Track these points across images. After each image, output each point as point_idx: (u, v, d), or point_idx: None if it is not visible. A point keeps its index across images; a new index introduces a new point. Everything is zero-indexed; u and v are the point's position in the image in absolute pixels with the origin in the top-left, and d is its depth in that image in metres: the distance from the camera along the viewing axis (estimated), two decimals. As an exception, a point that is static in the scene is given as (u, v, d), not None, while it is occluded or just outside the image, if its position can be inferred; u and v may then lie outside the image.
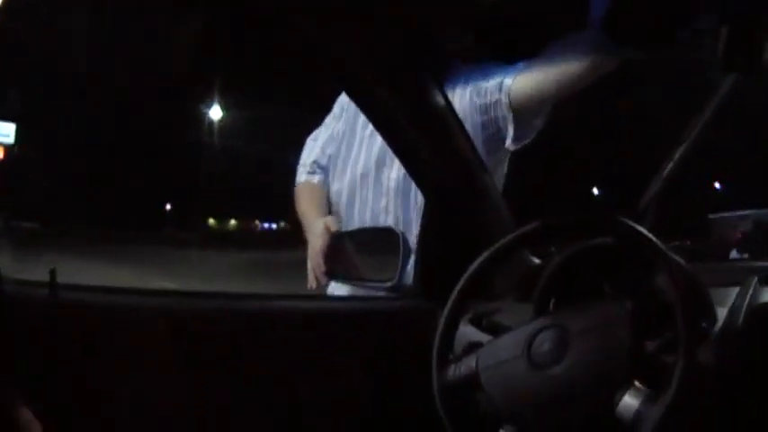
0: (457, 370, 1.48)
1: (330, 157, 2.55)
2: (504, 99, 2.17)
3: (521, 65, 2.18)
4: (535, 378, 1.36)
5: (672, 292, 1.30)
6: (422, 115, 1.78)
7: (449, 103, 1.85)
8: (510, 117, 2.19)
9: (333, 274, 2.22)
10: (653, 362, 1.32)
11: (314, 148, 2.62)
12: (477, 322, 1.59)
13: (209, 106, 30.95)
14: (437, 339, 1.53)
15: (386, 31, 1.63)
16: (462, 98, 2.29)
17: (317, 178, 2.58)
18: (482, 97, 2.25)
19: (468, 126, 2.04)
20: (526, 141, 2.26)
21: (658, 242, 1.37)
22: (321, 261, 2.22)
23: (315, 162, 2.59)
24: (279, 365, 1.67)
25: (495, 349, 1.46)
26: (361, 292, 2.17)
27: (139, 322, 1.51)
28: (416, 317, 1.84)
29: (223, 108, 31.34)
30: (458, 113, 1.98)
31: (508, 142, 2.24)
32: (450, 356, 1.53)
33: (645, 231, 1.39)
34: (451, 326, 1.54)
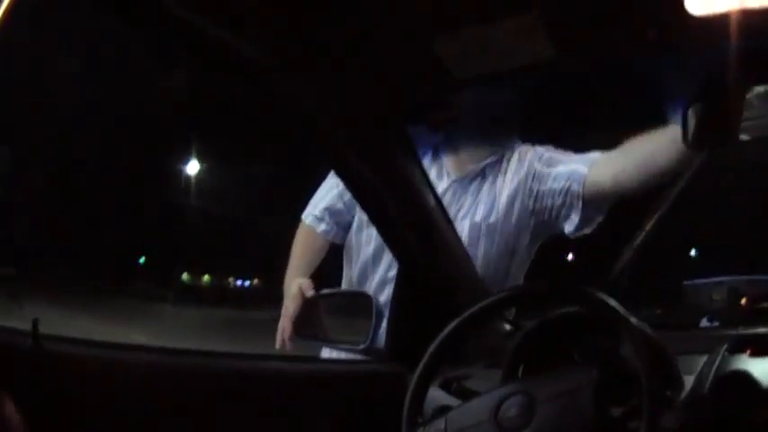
0: None
1: (350, 203, 2.42)
2: (578, 188, 2.19)
3: (596, 154, 2.21)
4: None
5: (636, 361, 1.33)
6: (395, 185, 1.80)
7: (424, 175, 1.89)
8: (579, 206, 2.21)
9: (302, 336, 2.23)
10: (618, 428, 1.35)
11: (332, 189, 2.49)
12: (446, 386, 1.62)
13: (187, 161, 30.86)
14: (407, 402, 1.53)
15: (366, 102, 1.66)
16: (512, 180, 2.31)
17: (322, 227, 2.50)
18: (543, 184, 2.26)
19: (512, 207, 2.20)
20: (587, 231, 2.28)
21: (624, 312, 1.40)
22: (290, 325, 2.23)
23: (327, 209, 2.49)
24: (250, 424, 1.68)
25: (463, 413, 1.48)
26: (335, 353, 2.19)
27: (120, 376, 1.52)
28: (387, 379, 1.86)
29: (200, 162, 31.24)
30: (501, 192, 2.15)
31: (569, 229, 2.26)
32: (419, 419, 1.53)
33: (611, 301, 1.43)
34: (421, 389, 1.55)
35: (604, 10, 1.34)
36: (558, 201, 2.23)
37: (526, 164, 2.31)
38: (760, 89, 1.44)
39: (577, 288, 1.51)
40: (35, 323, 1.40)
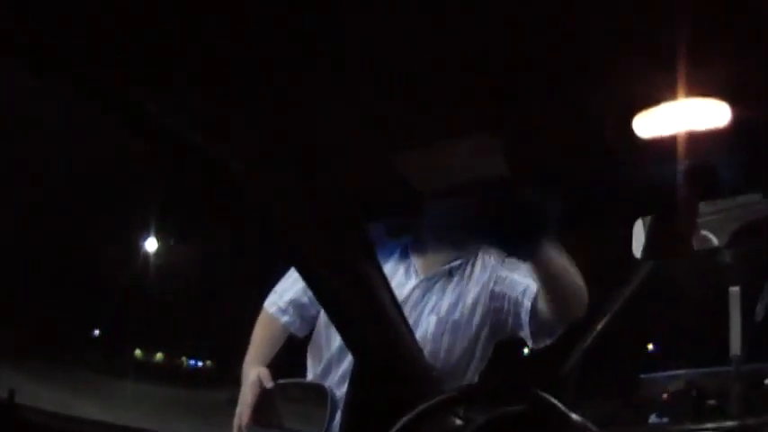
0: None
1: (315, 299, 2.37)
2: (527, 303, 2.29)
3: None
4: None
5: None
6: (354, 285, 1.84)
7: (383, 276, 1.95)
8: (526, 320, 2.29)
9: (258, 423, 2.25)
10: None
11: (297, 282, 2.49)
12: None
13: (146, 237, 30.52)
14: None
15: (331, 207, 1.73)
16: (477, 282, 2.42)
17: (285, 319, 2.52)
18: (502, 286, 2.37)
19: (475, 306, 2.33)
20: (542, 344, 2.35)
21: (565, 410, 1.47)
22: (247, 413, 2.26)
23: (291, 302, 2.52)
24: None
25: None
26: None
27: None
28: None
29: (159, 240, 30.90)
30: (467, 292, 2.29)
31: (525, 337, 2.35)
32: None
33: (555, 402, 1.48)
34: None
35: (558, 131, 1.43)
36: (513, 307, 2.34)
37: (489, 267, 2.43)
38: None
39: (521, 387, 1.56)
40: (11, 393, 1.41)
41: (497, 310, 2.37)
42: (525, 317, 2.28)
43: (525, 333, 2.32)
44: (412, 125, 1.42)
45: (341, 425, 2.08)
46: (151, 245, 30.48)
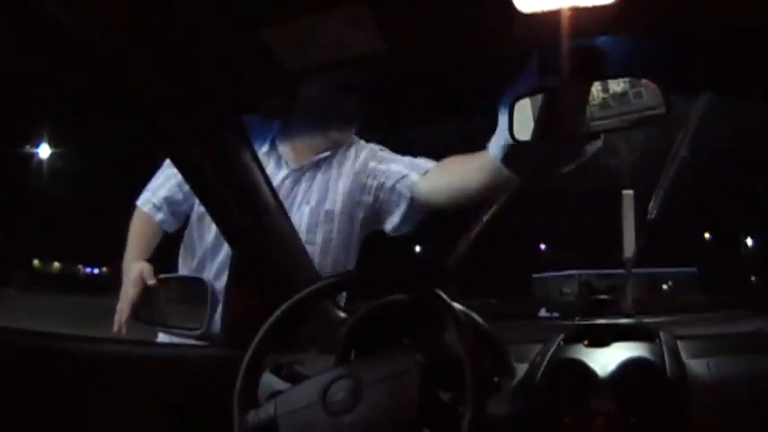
0: (257, 416, 1.50)
1: (189, 194, 2.43)
2: (406, 192, 2.27)
3: (424, 163, 2.29)
4: (330, 424, 1.41)
5: (459, 347, 1.37)
6: (229, 174, 1.81)
7: (258, 163, 1.90)
8: (402, 207, 2.29)
9: (140, 320, 2.22)
10: (446, 412, 1.39)
11: (170, 178, 2.49)
12: (277, 372, 1.63)
13: (38, 144, 29.64)
14: (237, 386, 1.54)
15: (200, 90, 1.65)
16: (348, 173, 2.41)
17: (159, 216, 2.50)
18: (375, 179, 2.36)
19: (346, 197, 2.32)
20: (404, 230, 2.37)
21: (446, 299, 1.44)
22: (128, 308, 2.22)
23: (166, 198, 2.50)
24: (85, 406, 1.63)
25: (292, 397, 1.50)
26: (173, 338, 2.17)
27: None
28: (222, 365, 1.84)
29: (52, 146, 30.04)
30: (338, 183, 2.26)
31: (389, 227, 2.36)
32: (251, 403, 1.54)
33: (435, 290, 1.47)
34: (251, 374, 1.56)
35: (435, 4, 1.37)
36: (386, 197, 2.33)
37: (361, 158, 2.43)
38: (616, 89, 1.48)
39: (402, 276, 1.54)
40: None
41: (369, 204, 2.38)
42: (402, 204, 2.29)
43: (394, 220, 2.33)
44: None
45: (221, 320, 2.04)
46: (44, 152, 29.70)
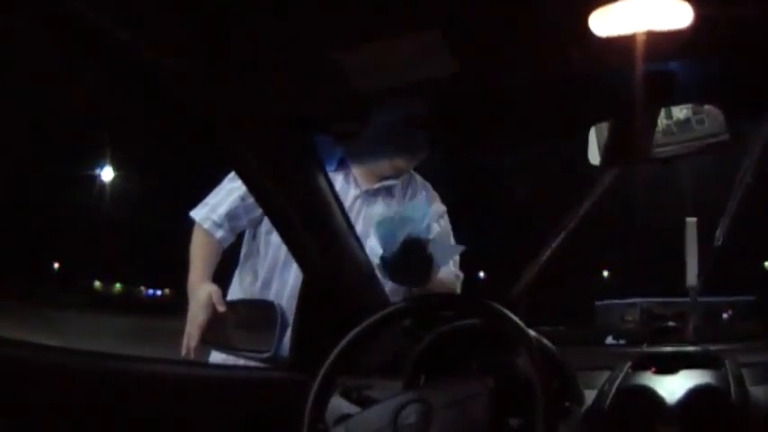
0: None
1: (249, 208, 2.40)
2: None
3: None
4: None
5: (531, 372, 1.36)
6: (299, 193, 1.82)
7: (329, 183, 1.91)
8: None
9: (208, 343, 2.22)
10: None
11: (232, 193, 2.44)
12: (347, 395, 1.63)
13: (102, 167, 30.14)
14: (307, 410, 1.54)
15: (272, 109, 1.67)
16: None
17: (219, 234, 2.44)
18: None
19: None
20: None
21: (522, 325, 1.44)
22: (197, 333, 2.21)
23: (227, 215, 2.44)
24: (152, 429, 1.65)
25: (363, 421, 1.50)
26: (240, 361, 2.17)
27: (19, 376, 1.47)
28: (290, 388, 1.85)
29: (115, 170, 30.54)
30: None
31: None
32: (320, 427, 1.54)
33: (509, 314, 1.46)
34: (321, 397, 1.55)
35: (509, 28, 1.37)
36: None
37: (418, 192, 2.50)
38: (679, 116, 1.47)
39: (474, 300, 1.54)
40: None
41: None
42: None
43: None
44: (354, 22, 1.35)
45: (291, 342, 2.04)
46: (107, 174, 30.20)
